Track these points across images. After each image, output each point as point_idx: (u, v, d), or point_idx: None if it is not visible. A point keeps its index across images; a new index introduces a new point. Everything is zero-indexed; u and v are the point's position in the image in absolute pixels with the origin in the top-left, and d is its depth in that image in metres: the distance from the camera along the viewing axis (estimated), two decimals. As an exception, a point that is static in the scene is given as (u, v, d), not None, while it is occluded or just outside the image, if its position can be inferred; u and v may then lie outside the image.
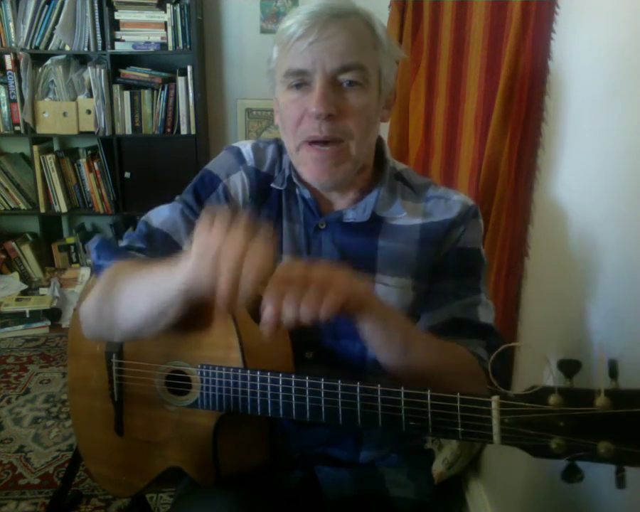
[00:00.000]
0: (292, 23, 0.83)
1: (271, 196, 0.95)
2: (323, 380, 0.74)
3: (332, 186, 0.90)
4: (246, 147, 0.99)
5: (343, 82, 0.83)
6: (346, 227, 0.92)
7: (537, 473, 1.26)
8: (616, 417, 0.55)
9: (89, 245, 1.01)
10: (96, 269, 0.92)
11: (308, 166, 0.87)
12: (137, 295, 0.79)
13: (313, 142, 0.85)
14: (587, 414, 0.57)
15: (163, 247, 0.92)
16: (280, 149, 0.98)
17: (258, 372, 0.80)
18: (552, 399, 0.58)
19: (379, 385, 0.70)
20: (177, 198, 0.99)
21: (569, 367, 0.58)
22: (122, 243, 0.95)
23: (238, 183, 0.96)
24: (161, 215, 0.96)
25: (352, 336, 0.89)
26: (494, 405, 0.62)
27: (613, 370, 0.56)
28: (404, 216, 0.92)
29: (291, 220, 0.94)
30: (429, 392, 0.67)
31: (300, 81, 0.84)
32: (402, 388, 0.69)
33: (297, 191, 0.93)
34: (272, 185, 0.95)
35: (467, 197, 0.95)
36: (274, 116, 0.95)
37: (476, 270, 0.92)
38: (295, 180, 0.93)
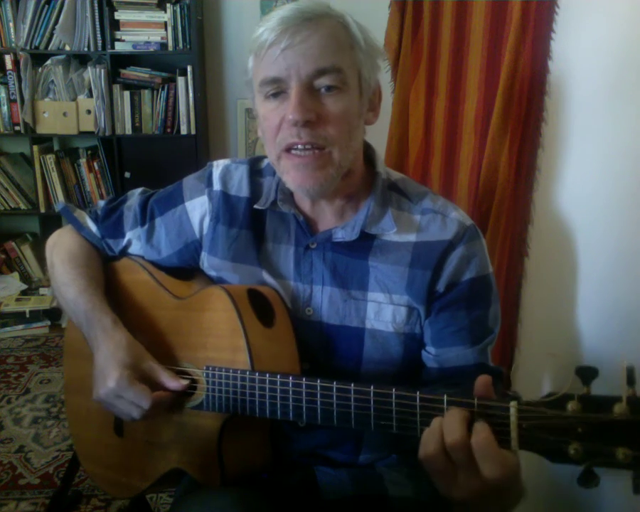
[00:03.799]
0: (263, 30, 0.81)
1: (247, 217, 0.94)
2: (335, 383, 0.74)
3: (317, 193, 0.85)
4: (218, 169, 0.99)
5: (321, 87, 0.80)
6: (337, 245, 0.90)
7: (538, 474, 1.25)
8: (635, 423, 0.55)
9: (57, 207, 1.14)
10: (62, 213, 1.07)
11: (290, 174, 0.84)
12: (67, 293, 0.96)
13: (292, 149, 0.82)
14: (605, 420, 0.57)
15: (110, 226, 1.04)
16: (252, 171, 0.98)
17: (267, 375, 0.79)
18: (571, 405, 0.59)
19: (394, 390, 0.70)
20: (151, 192, 1.07)
21: (586, 373, 0.58)
22: (93, 208, 1.07)
23: (197, 206, 0.98)
24: (133, 200, 1.05)
25: (344, 356, 0.89)
26: (512, 411, 0.62)
27: (631, 377, 0.56)
28: (396, 232, 0.88)
29: (276, 240, 0.93)
30: (445, 397, 0.67)
31: (277, 89, 0.81)
32: (418, 393, 0.69)
33: (288, 211, 0.92)
34: (256, 206, 0.93)
35: (465, 215, 0.91)
36: (257, 127, 0.92)
37: (487, 296, 0.89)
38: (280, 202, 0.91)
